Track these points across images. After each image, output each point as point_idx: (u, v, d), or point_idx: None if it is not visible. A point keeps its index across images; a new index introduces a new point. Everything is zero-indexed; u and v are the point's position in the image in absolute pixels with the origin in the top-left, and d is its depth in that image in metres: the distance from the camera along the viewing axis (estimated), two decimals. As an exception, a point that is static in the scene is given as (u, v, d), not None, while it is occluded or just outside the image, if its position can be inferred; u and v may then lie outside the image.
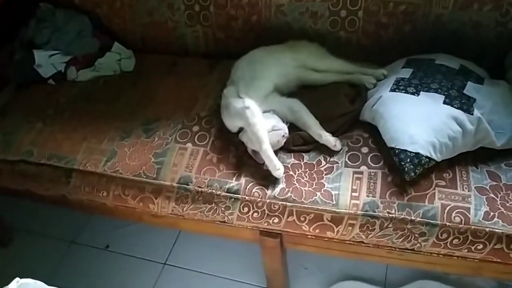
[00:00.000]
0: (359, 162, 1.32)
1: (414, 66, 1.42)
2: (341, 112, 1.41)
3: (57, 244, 1.94)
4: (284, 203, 1.28)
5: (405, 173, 1.21)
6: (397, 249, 1.29)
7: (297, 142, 1.38)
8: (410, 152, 1.22)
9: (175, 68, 1.74)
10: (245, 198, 1.31)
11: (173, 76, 1.71)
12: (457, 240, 1.19)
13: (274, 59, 1.50)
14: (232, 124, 1.41)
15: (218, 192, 1.33)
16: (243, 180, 1.33)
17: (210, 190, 1.33)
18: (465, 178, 1.25)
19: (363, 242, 1.29)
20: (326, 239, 1.32)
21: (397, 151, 1.24)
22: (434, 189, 1.23)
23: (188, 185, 1.35)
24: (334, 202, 1.25)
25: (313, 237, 1.33)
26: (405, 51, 1.51)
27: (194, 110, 1.53)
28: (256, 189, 1.31)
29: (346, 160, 1.33)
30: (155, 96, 1.62)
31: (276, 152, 1.33)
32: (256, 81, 1.44)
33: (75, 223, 1.98)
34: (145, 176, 1.38)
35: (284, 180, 1.31)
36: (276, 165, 1.28)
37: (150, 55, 1.82)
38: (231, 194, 1.32)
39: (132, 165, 1.41)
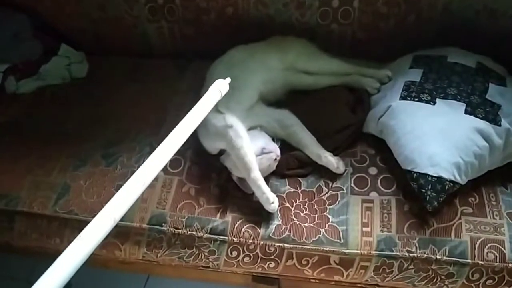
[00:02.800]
0: (368, 187, 1.13)
1: (423, 66, 1.24)
2: (342, 125, 1.22)
3: (9, 285, 1.67)
4: (281, 244, 1.06)
5: (427, 202, 1.03)
6: (419, 292, 1.09)
7: (291, 165, 1.17)
8: (431, 176, 1.03)
9: (138, 73, 1.54)
10: (233, 240, 1.08)
11: (136, 82, 1.50)
12: (491, 281, 1.03)
13: (257, 61, 1.30)
14: (212, 146, 1.19)
15: (200, 234, 1.09)
16: (229, 216, 1.10)
17: (189, 232, 1.10)
18: (494, 203, 1.08)
19: (378, 285, 1.10)
20: (333, 283, 1.11)
21: (415, 175, 1.04)
22: (460, 218, 1.05)
23: (162, 226, 1.11)
24: (342, 241, 1.04)
25: (318, 281, 1.12)
26: (409, 46, 1.34)
27: (164, 127, 1.30)
28: (246, 228, 1.08)
29: (352, 185, 1.13)
30: (115, 110, 1.40)
31: (267, 179, 1.12)
32: (237, 90, 1.20)
33: (29, 259, 1.69)
34: (107, 217, 1.12)
35: (279, 214, 1.09)
36: (269, 198, 1.05)
37: (106, 57, 1.60)
38: (216, 236, 1.09)
39: (90, 202, 1.17)
